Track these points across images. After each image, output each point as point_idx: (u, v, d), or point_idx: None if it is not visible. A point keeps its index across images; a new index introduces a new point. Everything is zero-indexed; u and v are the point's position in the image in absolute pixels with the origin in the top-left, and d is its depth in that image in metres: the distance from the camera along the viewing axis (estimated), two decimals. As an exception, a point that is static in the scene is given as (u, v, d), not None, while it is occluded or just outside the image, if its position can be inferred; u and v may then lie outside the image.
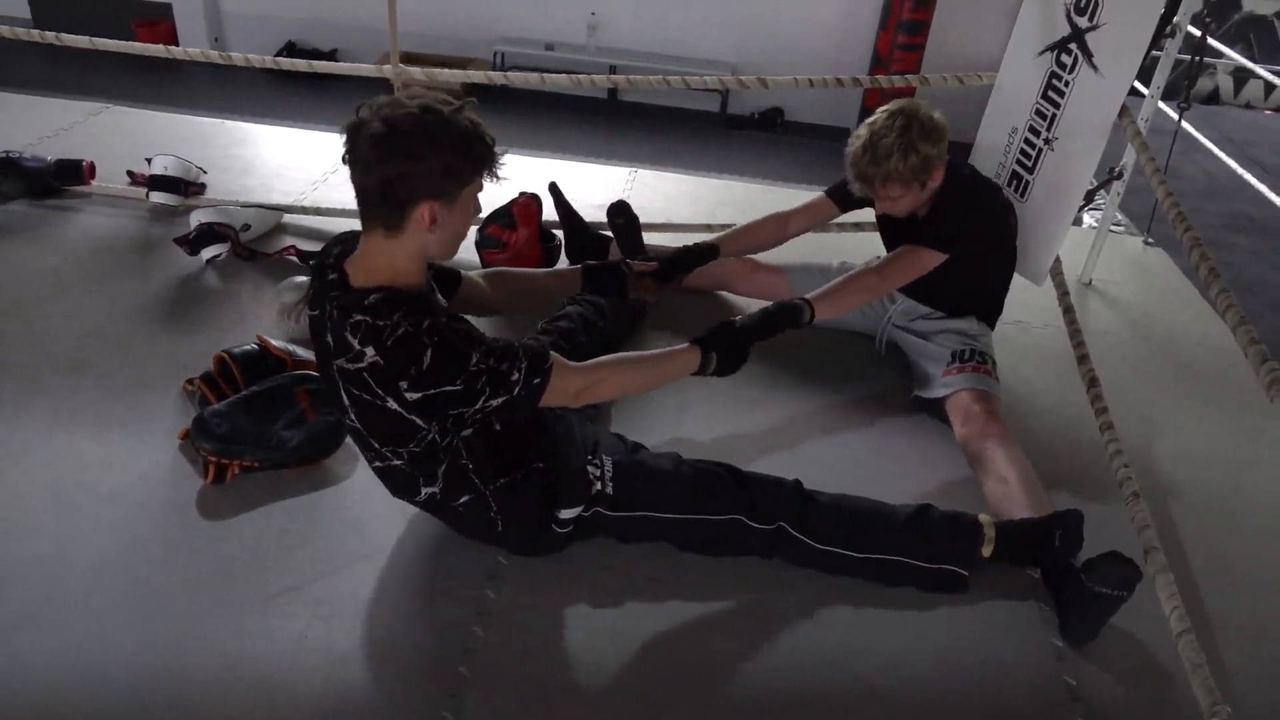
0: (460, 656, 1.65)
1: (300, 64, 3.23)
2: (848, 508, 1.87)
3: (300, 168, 3.56)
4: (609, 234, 2.56)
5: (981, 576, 1.87)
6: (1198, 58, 2.77)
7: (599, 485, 1.79)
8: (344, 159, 1.51)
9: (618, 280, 2.10)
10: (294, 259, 2.82)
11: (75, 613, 1.67)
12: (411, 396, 1.52)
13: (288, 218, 3.10)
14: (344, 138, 1.49)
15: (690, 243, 2.37)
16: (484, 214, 2.32)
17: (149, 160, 3.10)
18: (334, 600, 1.74)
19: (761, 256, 2.64)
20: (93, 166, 3.18)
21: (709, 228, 3.04)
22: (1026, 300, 2.72)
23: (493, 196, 1.65)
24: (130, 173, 3.22)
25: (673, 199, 3.61)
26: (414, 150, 1.46)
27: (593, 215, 2.78)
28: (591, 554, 1.86)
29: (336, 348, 1.54)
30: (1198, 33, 2.72)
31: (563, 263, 2.89)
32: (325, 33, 7.01)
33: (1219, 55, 4.68)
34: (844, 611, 1.82)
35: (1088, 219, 4.28)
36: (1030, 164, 2.57)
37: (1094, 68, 2.35)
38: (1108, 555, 1.76)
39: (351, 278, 1.56)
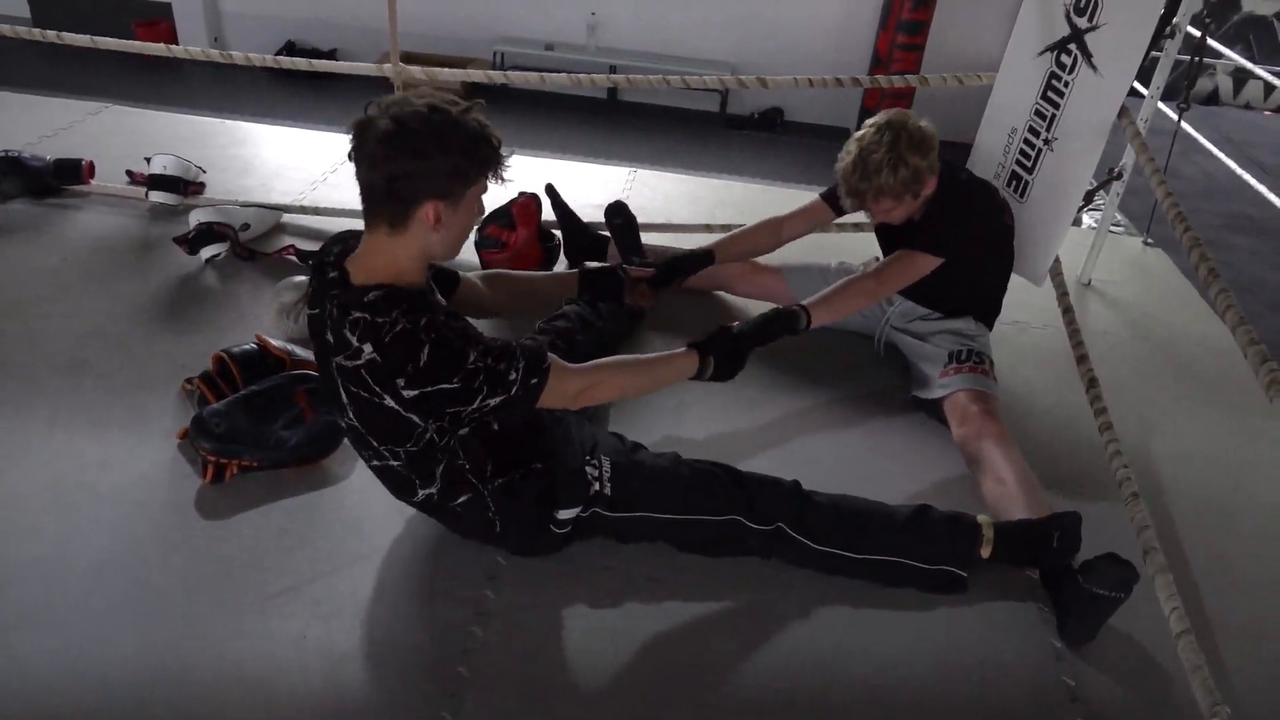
0: (459, 657, 1.65)
1: (300, 63, 3.23)
2: (846, 508, 1.87)
3: (300, 167, 3.56)
4: (608, 234, 2.56)
5: (980, 577, 1.87)
6: (1197, 58, 2.77)
7: (597, 486, 1.79)
8: (350, 155, 1.51)
9: (614, 285, 2.10)
10: (293, 259, 2.82)
11: (74, 613, 1.67)
12: (409, 394, 1.52)
13: (287, 217, 3.10)
14: (351, 134, 1.50)
15: (689, 247, 2.38)
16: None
17: (148, 160, 3.10)
18: (333, 600, 1.74)
19: (759, 257, 2.64)
20: (92, 166, 3.18)
21: (708, 228, 3.04)
22: (1026, 300, 2.72)
23: (493, 196, 1.65)
24: (129, 172, 3.22)
25: (672, 199, 3.61)
26: (421, 149, 1.47)
27: (592, 215, 2.78)
28: (590, 554, 1.86)
29: (335, 345, 1.54)
30: (1197, 33, 2.72)
31: (561, 263, 2.90)
32: (325, 32, 7.01)
33: (1218, 56, 4.68)
34: (843, 612, 1.82)
35: (1087, 219, 4.28)
36: (1029, 164, 2.57)
37: (1093, 68, 2.35)
38: (1105, 557, 1.76)
39: (352, 276, 1.57)
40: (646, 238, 2.47)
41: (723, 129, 6.97)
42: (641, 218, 2.45)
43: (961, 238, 2.23)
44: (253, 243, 2.90)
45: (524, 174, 1.76)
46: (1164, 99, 2.86)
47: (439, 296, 1.72)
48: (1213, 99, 8.34)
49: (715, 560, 1.87)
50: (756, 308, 2.57)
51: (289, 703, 1.56)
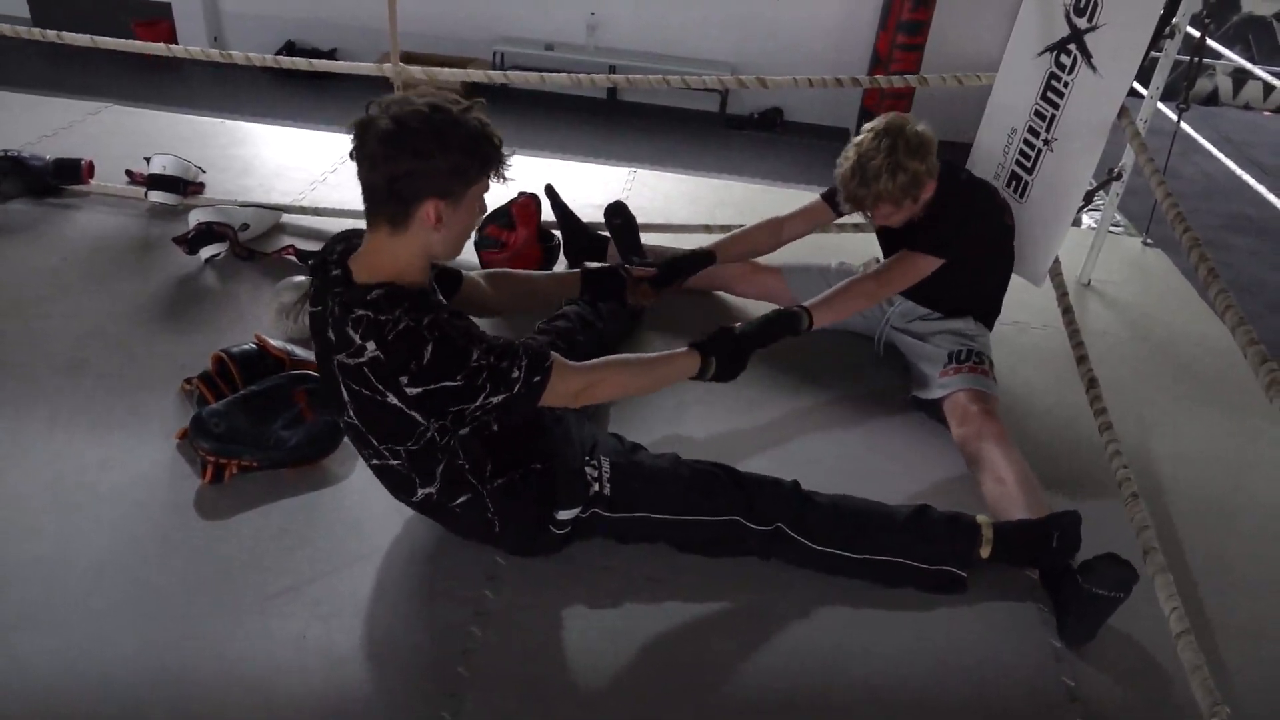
0: (459, 657, 1.65)
1: (300, 63, 3.23)
2: (846, 508, 1.87)
3: (299, 167, 3.56)
4: (607, 234, 2.56)
5: (980, 577, 1.87)
6: (1197, 59, 2.77)
7: (597, 486, 1.79)
8: (351, 155, 1.51)
9: (616, 284, 2.10)
10: (292, 258, 2.82)
11: (74, 613, 1.67)
12: (412, 391, 1.52)
13: (286, 217, 3.10)
14: (352, 134, 1.50)
15: (688, 247, 2.38)
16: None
17: (148, 159, 3.10)
18: (333, 600, 1.74)
19: (760, 258, 2.64)
20: (91, 166, 3.18)
21: (708, 228, 3.04)
22: (1025, 301, 2.72)
23: (492, 196, 1.65)
24: (129, 172, 3.22)
25: (672, 199, 3.61)
26: (421, 148, 1.47)
27: (592, 215, 2.78)
28: (590, 554, 1.86)
29: (338, 343, 1.54)
30: (1197, 33, 2.71)
31: (561, 263, 2.90)
32: (325, 32, 7.01)
33: (1218, 56, 4.68)
34: (842, 612, 1.82)
35: (1087, 220, 4.28)
36: (1029, 165, 2.57)
37: (1093, 68, 2.35)
38: (1105, 557, 1.76)
39: (355, 274, 1.57)
40: (646, 238, 2.46)
41: (722, 129, 6.97)
42: (641, 218, 2.45)
43: (962, 238, 2.23)
44: (252, 243, 2.90)
45: (524, 174, 1.76)
46: (1163, 99, 2.87)
47: (439, 297, 1.72)
48: (1212, 99, 8.34)
49: (715, 560, 1.87)
50: (756, 308, 2.57)
51: (289, 703, 1.57)
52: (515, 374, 1.57)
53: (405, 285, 1.54)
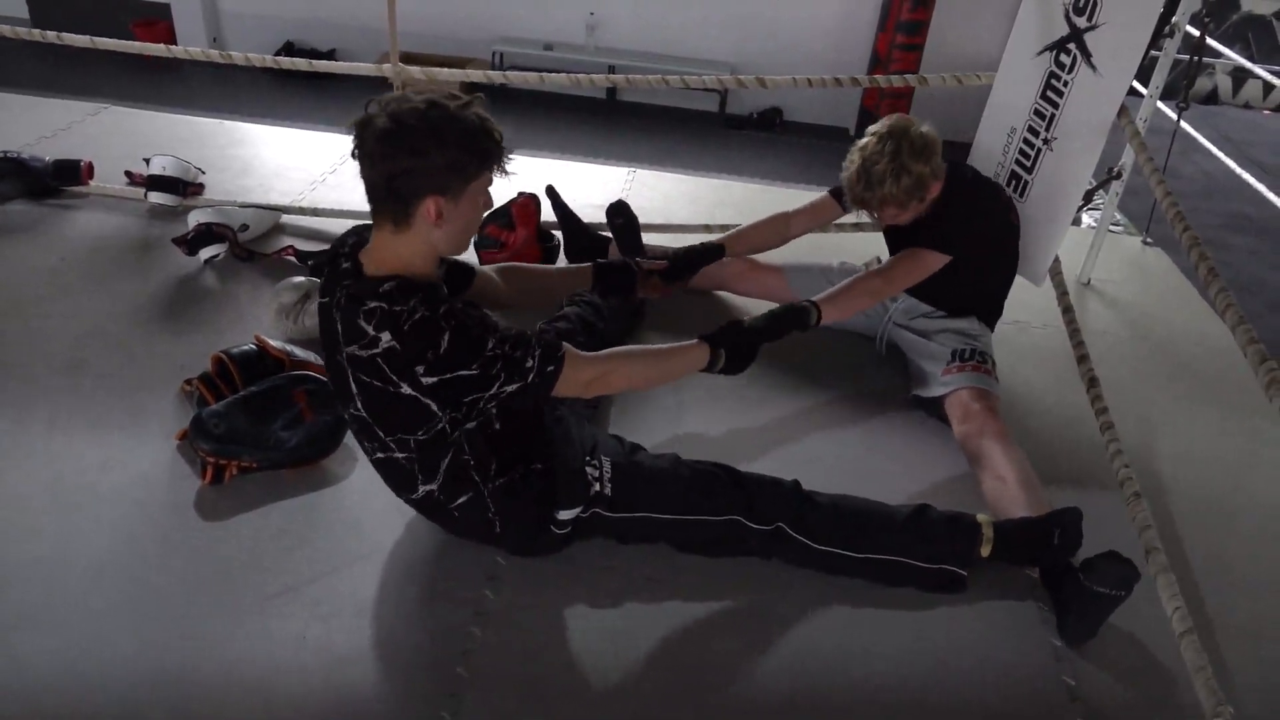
0: (459, 657, 1.65)
1: (300, 63, 3.23)
2: (846, 508, 1.87)
3: (299, 168, 3.56)
4: (608, 234, 2.56)
5: (980, 576, 1.87)
6: (1196, 58, 2.77)
7: (597, 486, 1.79)
8: (353, 154, 1.52)
9: (627, 278, 2.11)
10: (292, 259, 2.82)
11: (74, 613, 1.67)
12: (428, 381, 1.53)
13: (286, 218, 3.10)
14: (353, 133, 1.51)
15: (695, 243, 2.38)
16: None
17: (147, 160, 3.10)
18: (332, 601, 1.73)
19: (761, 256, 2.65)
20: (91, 166, 3.18)
21: (708, 228, 3.04)
22: (1026, 300, 2.72)
23: (495, 194, 1.65)
24: (128, 173, 3.22)
25: (671, 199, 3.61)
26: (418, 146, 1.47)
27: (592, 215, 2.78)
28: (590, 555, 1.86)
29: (346, 335, 1.55)
30: (1196, 33, 2.72)
31: (561, 263, 2.90)
32: (324, 32, 7.00)
33: (1218, 55, 4.69)
34: (843, 612, 1.82)
35: (1086, 219, 4.28)
36: (1029, 164, 2.57)
37: (1093, 68, 2.35)
38: (1106, 555, 1.76)
39: (365, 267, 1.57)
40: (646, 237, 2.47)
41: (722, 129, 6.97)
42: (641, 218, 2.45)
43: (968, 236, 2.24)
44: (252, 243, 2.90)
45: (524, 174, 1.76)
46: (1163, 98, 2.87)
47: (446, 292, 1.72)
48: (1212, 98, 8.34)
49: (715, 560, 1.87)
50: (758, 307, 2.56)
51: (289, 703, 1.56)
52: (529, 363, 1.57)
53: (415, 278, 1.55)
